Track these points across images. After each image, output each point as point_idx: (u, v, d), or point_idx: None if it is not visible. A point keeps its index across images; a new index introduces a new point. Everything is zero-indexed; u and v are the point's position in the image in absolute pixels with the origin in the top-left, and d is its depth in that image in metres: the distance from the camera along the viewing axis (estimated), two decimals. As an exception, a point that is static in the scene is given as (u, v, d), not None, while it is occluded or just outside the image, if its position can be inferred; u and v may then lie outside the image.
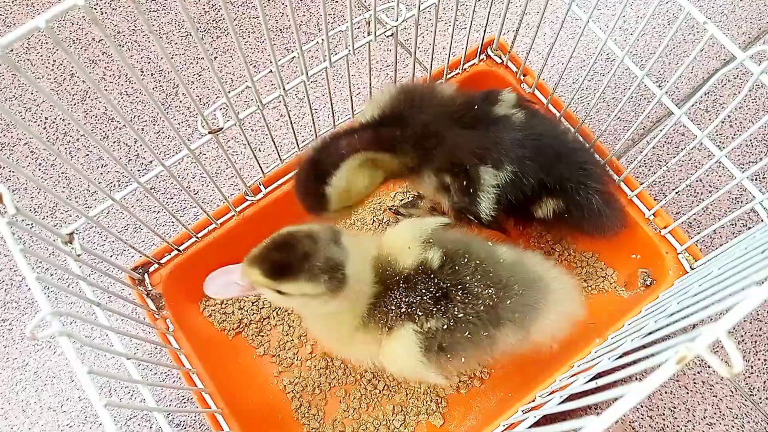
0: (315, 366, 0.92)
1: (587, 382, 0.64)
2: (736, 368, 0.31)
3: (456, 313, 0.70)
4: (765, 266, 0.42)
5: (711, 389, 0.95)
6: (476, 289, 0.71)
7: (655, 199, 0.87)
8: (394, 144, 0.76)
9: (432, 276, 0.71)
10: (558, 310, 0.75)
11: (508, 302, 0.72)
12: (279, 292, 0.65)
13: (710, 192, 1.05)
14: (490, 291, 0.71)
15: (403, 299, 0.70)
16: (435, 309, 0.70)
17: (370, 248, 0.73)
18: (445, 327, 0.70)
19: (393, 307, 0.70)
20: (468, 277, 0.71)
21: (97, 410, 0.48)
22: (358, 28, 1.14)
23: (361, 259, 0.68)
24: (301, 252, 0.62)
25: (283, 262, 0.62)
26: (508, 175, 0.77)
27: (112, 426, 0.46)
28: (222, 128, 0.69)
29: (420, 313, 0.70)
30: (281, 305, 0.75)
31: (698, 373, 0.96)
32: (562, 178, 0.78)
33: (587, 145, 0.90)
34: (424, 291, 0.70)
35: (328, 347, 0.80)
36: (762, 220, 0.65)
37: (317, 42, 0.70)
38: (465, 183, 0.78)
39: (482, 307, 0.71)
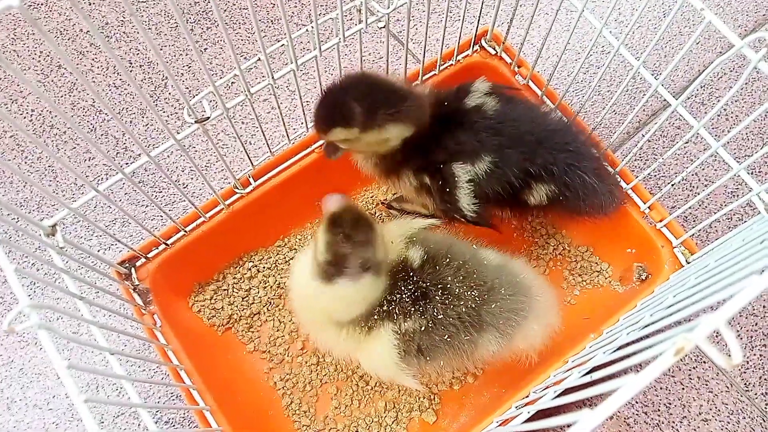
0: (306, 362, 0.91)
1: (582, 376, 0.62)
2: (736, 359, 0.30)
3: (435, 314, 0.70)
4: (765, 255, 0.41)
5: (706, 385, 0.94)
6: (458, 290, 0.70)
7: (650, 193, 0.86)
8: None
9: (411, 275, 0.70)
10: (541, 320, 0.75)
11: (493, 305, 0.71)
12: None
13: (706, 186, 1.04)
14: (473, 293, 0.71)
15: (385, 297, 0.69)
16: (413, 309, 0.69)
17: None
18: (423, 328, 0.70)
19: (375, 306, 0.70)
20: (449, 278, 0.70)
21: (77, 405, 0.46)
22: (350, 18, 1.12)
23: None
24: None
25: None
26: (486, 165, 0.76)
27: (91, 422, 0.45)
28: (209, 117, 0.67)
29: (398, 313, 0.69)
30: (298, 301, 0.75)
31: (693, 368, 0.95)
32: (546, 163, 0.77)
33: (576, 123, 0.88)
34: (403, 289, 0.70)
35: (319, 342, 0.79)
36: (759, 212, 0.64)
37: (307, 30, 0.69)
38: (440, 183, 0.77)
39: (464, 309, 0.70)
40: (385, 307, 0.70)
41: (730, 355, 0.31)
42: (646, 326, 0.55)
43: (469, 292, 0.71)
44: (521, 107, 0.80)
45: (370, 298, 0.69)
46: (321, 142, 0.90)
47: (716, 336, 0.94)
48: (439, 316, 0.70)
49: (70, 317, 0.92)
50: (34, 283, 0.96)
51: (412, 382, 0.71)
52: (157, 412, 0.89)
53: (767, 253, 0.41)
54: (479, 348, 0.73)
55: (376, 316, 0.70)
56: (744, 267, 0.43)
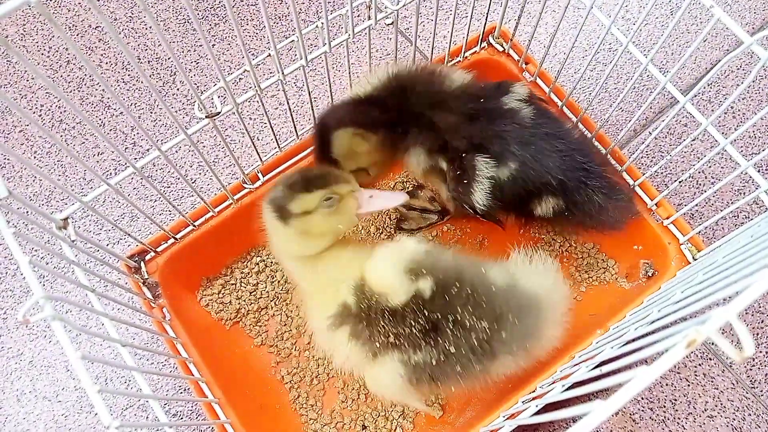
0: (313, 357, 0.91)
1: (590, 370, 0.63)
2: (747, 351, 0.30)
3: (447, 346, 0.68)
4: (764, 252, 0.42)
5: (712, 381, 0.95)
6: (468, 323, 0.68)
7: (657, 190, 0.86)
8: (374, 124, 0.77)
9: (422, 307, 0.68)
10: (554, 329, 0.74)
11: (503, 334, 0.69)
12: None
13: (713, 183, 1.04)
14: (483, 324, 0.68)
15: (391, 330, 0.68)
16: (424, 342, 0.68)
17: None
18: (435, 361, 0.68)
19: (380, 336, 0.68)
20: (460, 309, 0.68)
21: (90, 396, 0.47)
22: (358, 15, 1.12)
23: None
24: (306, 177, 0.73)
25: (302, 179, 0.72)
26: (510, 171, 0.76)
27: (105, 412, 0.46)
28: (219, 112, 0.67)
29: (407, 346, 0.68)
30: (308, 309, 0.75)
31: (699, 365, 0.95)
32: (563, 180, 0.77)
33: (589, 136, 0.88)
34: (412, 323, 0.68)
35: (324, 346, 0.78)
36: (767, 209, 0.64)
37: (316, 26, 0.69)
38: (458, 171, 0.77)
39: (475, 342, 0.68)
40: (391, 339, 0.68)
41: (741, 349, 0.31)
42: (653, 321, 0.56)
43: (479, 324, 0.69)
44: (553, 122, 0.80)
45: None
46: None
47: (724, 331, 0.94)
48: (452, 350, 0.68)
49: (81, 310, 0.93)
50: (44, 276, 0.97)
51: (421, 405, 0.70)
52: (165, 404, 0.90)
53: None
54: (492, 372, 0.72)
55: (378, 344, 0.68)
56: (754, 262, 0.44)
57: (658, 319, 0.54)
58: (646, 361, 0.42)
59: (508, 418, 0.72)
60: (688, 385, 0.94)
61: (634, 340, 0.55)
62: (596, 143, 0.88)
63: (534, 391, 0.76)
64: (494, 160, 0.75)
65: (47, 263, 0.98)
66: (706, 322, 0.32)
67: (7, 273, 0.99)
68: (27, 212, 0.98)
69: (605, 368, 0.48)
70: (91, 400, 0.47)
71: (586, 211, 0.80)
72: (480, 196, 0.77)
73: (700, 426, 0.92)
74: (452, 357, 0.68)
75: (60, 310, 0.94)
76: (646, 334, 0.50)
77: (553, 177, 0.76)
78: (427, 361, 0.68)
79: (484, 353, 0.69)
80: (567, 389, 0.69)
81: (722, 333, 0.95)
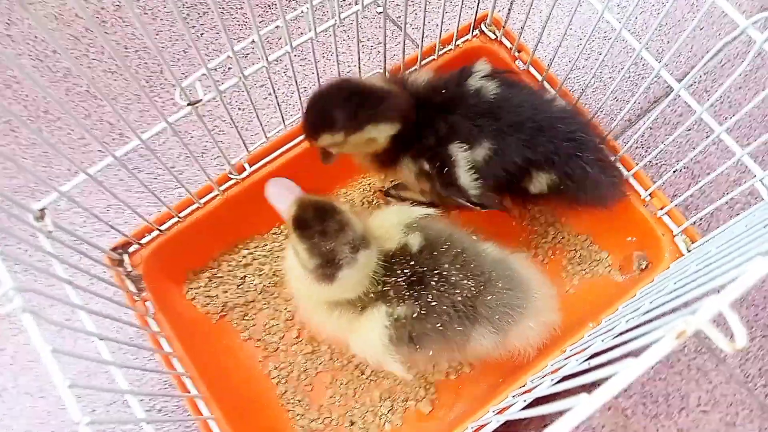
0: (301, 351, 0.90)
1: (581, 363, 0.61)
2: (740, 343, 0.28)
3: (429, 300, 0.69)
4: (760, 240, 0.40)
5: (705, 376, 0.93)
6: (454, 279, 0.69)
7: (652, 180, 0.85)
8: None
9: (409, 259, 0.70)
10: (538, 317, 0.74)
11: (489, 297, 0.70)
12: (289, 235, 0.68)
13: (708, 173, 1.02)
14: (470, 282, 0.70)
15: (380, 280, 0.68)
16: (408, 294, 0.69)
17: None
18: (416, 315, 0.69)
19: (371, 286, 0.69)
20: (446, 265, 0.70)
21: (60, 391, 0.45)
22: (348, 2, 1.10)
23: (363, 272, 0.68)
24: (324, 228, 0.65)
25: (307, 220, 0.65)
26: (486, 151, 0.75)
27: (75, 407, 0.44)
28: (201, 100, 0.66)
29: (392, 295, 0.68)
30: (297, 283, 0.75)
31: (693, 360, 0.94)
32: (547, 152, 0.75)
33: (580, 111, 0.86)
34: (399, 273, 0.69)
35: (312, 327, 0.78)
36: (762, 199, 0.63)
37: (302, 11, 0.67)
38: (438, 164, 0.76)
39: (459, 298, 0.69)
40: (380, 288, 0.69)
41: (733, 340, 0.30)
42: (645, 313, 0.54)
43: (465, 281, 0.70)
44: (524, 92, 0.78)
45: (370, 269, 0.68)
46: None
47: (716, 323, 0.93)
48: (433, 303, 0.69)
49: (63, 304, 0.91)
50: (27, 270, 0.95)
51: (399, 368, 0.70)
52: (150, 400, 0.89)
53: (763, 239, 0.40)
54: (471, 341, 0.72)
55: (372, 295, 0.69)
56: (748, 250, 0.42)
57: (650, 311, 0.53)
58: (635, 354, 0.41)
59: (497, 413, 0.71)
60: (682, 380, 0.93)
61: (625, 332, 0.54)
62: (588, 121, 0.86)
63: (524, 386, 0.74)
64: (467, 143, 0.74)
65: (30, 256, 0.96)
66: (696, 312, 0.30)
67: (-10, 266, 0.97)
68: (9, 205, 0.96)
69: (594, 361, 0.47)
70: (79, 395, 0.46)
71: (580, 184, 0.79)
72: (465, 179, 0.75)
73: (693, 421, 0.91)
74: (433, 311, 0.69)
75: (42, 305, 0.92)
76: (638, 326, 0.48)
77: (533, 152, 0.74)
78: (409, 314, 0.69)
79: (466, 313, 0.70)
80: (558, 383, 0.68)
81: (715, 325, 0.94)
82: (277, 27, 0.68)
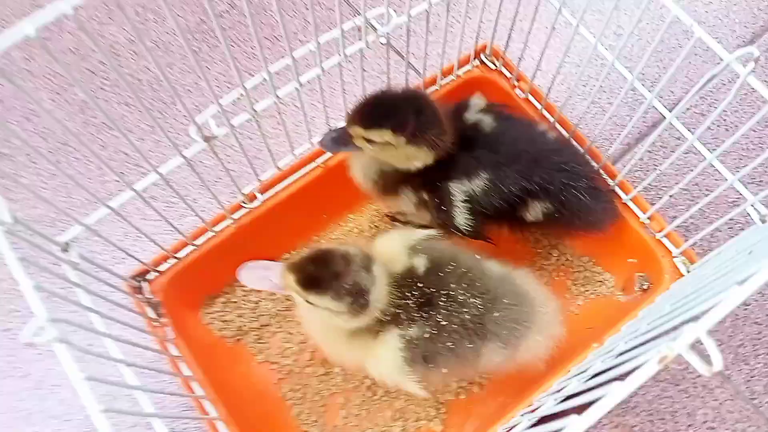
0: (315, 373, 0.93)
1: (584, 383, 0.64)
2: (716, 366, 0.31)
3: (439, 320, 0.71)
4: (747, 266, 0.43)
5: (711, 393, 0.95)
6: (461, 298, 0.72)
7: (651, 203, 0.88)
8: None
9: (417, 282, 0.72)
10: (544, 331, 0.76)
11: (496, 314, 0.73)
12: (307, 300, 0.68)
13: (706, 195, 1.05)
14: (476, 301, 0.72)
15: (391, 302, 0.71)
16: (418, 315, 0.71)
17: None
18: (428, 335, 0.71)
19: (383, 308, 0.71)
20: (453, 285, 0.72)
21: (93, 416, 0.48)
22: (352, 36, 1.15)
23: (383, 284, 0.71)
24: (333, 271, 0.66)
25: (315, 275, 0.67)
26: (483, 182, 0.78)
27: (108, 431, 0.47)
28: (215, 136, 0.69)
29: (404, 318, 0.71)
30: (305, 312, 0.78)
31: (698, 377, 0.96)
32: (543, 182, 0.79)
33: (572, 142, 0.90)
34: (408, 296, 0.71)
35: (326, 354, 0.82)
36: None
37: (309, 50, 0.71)
38: (436, 200, 0.79)
39: (468, 317, 0.72)
40: (393, 311, 0.71)
41: (711, 364, 0.33)
42: (641, 335, 0.57)
43: (472, 300, 0.73)
44: (518, 125, 0.82)
45: (385, 281, 0.71)
46: (326, 156, 0.92)
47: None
48: (443, 323, 0.72)
49: (86, 331, 0.94)
50: (49, 297, 0.99)
51: (416, 387, 0.72)
52: (171, 422, 0.91)
53: (750, 264, 0.43)
54: (482, 357, 0.75)
55: (386, 319, 0.72)
56: (730, 278, 0.45)
57: (646, 332, 0.55)
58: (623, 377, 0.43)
59: (506, 432, 0.73)
60: (688, 397, 0.95)
61: (624, 353, 0.56)
62: (588, 157, 0.89)
63: (531, 405, 0.77)
64: (465, 176, 0.77)
65: (52, 285, 1.00)
66: (677, 339, 0.33)
67: (15, 294, 1.01)
68: (31, 235, 1.00)
69: (591, 382, 0.49)
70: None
71: (575, 211, 0.82)
72: (461, 219, 0.79)
73: (700, 437, 0.93)
74: (444, 331, 0.71)
75: (66, 331, 0.96)
76: (635, 347, 0.51)
77: (529, 182, 0.78)
78: (421, 335, 0.71)
79: (475, 330, 0.72)
80: (561, 402, 0.70)
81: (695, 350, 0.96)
82: (285, 64, 0.72)
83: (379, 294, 0.69)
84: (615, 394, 0.32)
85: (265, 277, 0.76)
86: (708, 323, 0.33)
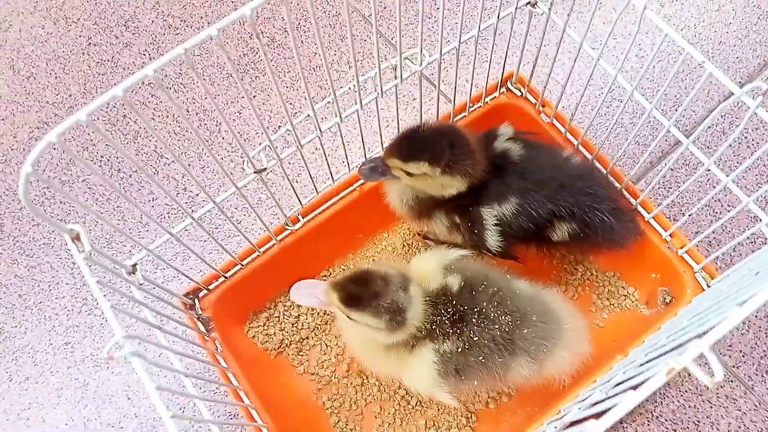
0: (351, 383, 0.98)
1: (609, 392, 0.68)
2: (717, 378, 0.36)
3: (472, 336, 0.77)
4: (749, 288, 0.47)
5: (735, 403, 0.98)
6: (492, 315, 0.77)
7: (674, 220, 0.92)
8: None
9: (451, 299, 0.78)
10: (571, 347, 0.81)
11: (525, 331, 0.78)
12: (348, 316, 0.75)
13: (729, 210, 1.08)
14: (507, 318, 0.78)
15: (427, 318, 0.77)
16: (452, 331, 0.77)
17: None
18: (460, 350, 0.77)
19: (419, 324, 0.77)
20: (485, 303, 0.78)
21: (165, 421, 0.55)
22: (384, 73, 1.21)
23: (419, 303, 0.76)
24: (373, 290, 0.73)
25: (357, 294, 0.73)
26: (513, 207, 0.84)
27: (179, 434, 0.53)
28: (266, 168, 0.76)
29: (438, 334, 0.77)
30: (345, 326, 0.84)
31: (721, 387, 0.99)
32: (568, 205, 0.84)
33: (596, 164, 0.95)
34: (443, 312, 0.77)
35: (363, 364, 0.88)
36: (769, 241, 0.69)
37: (349, 88, 0.78)
38: (469, 224, 0.85)
39: (498, 333, 0.77)
40: (428, 327, 0.77)
41: (713, 375, 0.38)
42: (660, 347, 0.61)
43: (503, 317, 0.78)
44: (544, 152, 0.88)
45: (421, 300, 0.77)
46: (361, 181, 0.98)
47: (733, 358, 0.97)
48: (475, 338, 0.77)
49: (140, 342, 1.02)
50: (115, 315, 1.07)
51: (448, 398, 0.78)
52: (225, 428, 0.98)
53: (756, 284, 0.47)
54: (511, 371, 0.80)
55: (421, 334, 0.77)
56: (737, 297, 0.49)
57: (664, 345, 0.60)
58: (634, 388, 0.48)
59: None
60: (711, 407, 0.98)
61: (645, 364, 0.61)
62: (611, 178, 0.94)
63: (558, 413, 0.81)
64: (495, 201, 0.84)
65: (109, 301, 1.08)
66: (683, 353, 0.38)
67: (73, 310, 1.09)
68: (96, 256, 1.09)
69: (611, 391, 0.54)
70: (152, 425, 0.55)
71: (598, 231, 0.87)
72: (493, 241, 0.85)
73: (725, 446, 0.95)
74: (475, 346, 0.77)
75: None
76: (652, 359, 0.56)
77: (556, 205, 0.83)
78: (454, 350, 0.77)
79: (505, 346, 0.77)
80: (584, 410, 0.74)
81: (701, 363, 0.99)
82: (328, 102, 0.78)
83: (415, 312, 0.75)
84: (627, 402, 0.37)
85: (311, 294, 0.82)
86: (710, 340, 0.38)
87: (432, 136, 0.80)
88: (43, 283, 1.11)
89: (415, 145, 0.80)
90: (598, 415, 0.40)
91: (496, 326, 0.77)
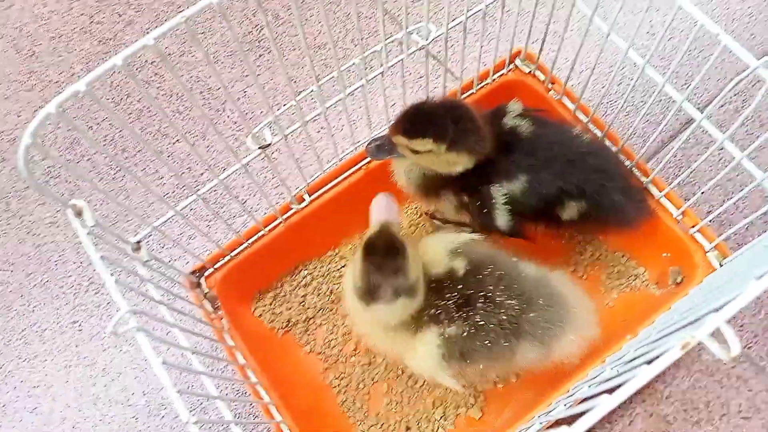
0: (359, 362, 0.98)
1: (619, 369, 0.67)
2: (734, 351, 0.35)
3: (477, 320, 0.75)
4: (764, 264, 0.46)
5: (746, 384, 0.97)
6: (498, 299, 0.76)
7: (686, 199, 0.90)
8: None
9: (456, 283, 0.77)
10: (578, 331, 0.80)
11: (532, 315, 0.76)
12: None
13: (741, 189, 1.07)
14: (512, 302, 0.76)
15: (431, 303, 0.76)
16: (457, 315, 0.76)
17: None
18: (465, 334, 0.76)
19: (422, 310, 0.76)
20: (491, 287, 0.76)
21: (171, 396, 0.54)
22: (390, 51, 1.19)
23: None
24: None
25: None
26: (522, 184, 0.82)
27: (184, 409, 0.53)
28: (270, 144, 0.75)
29: (443, 318, 0.76)
30: (352, 305, 0.83)
31: (732, 368, 0.98)
32: (578, 183, 0.83)
33: (606, 142, 0.93)
34: (448, 296, 0.76)
35: (371, 343, 0.87)
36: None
37: (353, 63, 0.76)
38: (478, 203, 0.83)
39: (504, 317, 0.76)
40: (432, 312, 0.76)
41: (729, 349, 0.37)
42: (671, 325, 0.60)
43: (509, 301, 0.77)
44: (554, 129, 0.86)
45: (405, 315, 0.76)
46: (368, 159, 0.97)
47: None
48: (481, 323, 0.76)
49: (147, 320, 1.02)
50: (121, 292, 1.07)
51: (451, 382, 0.77)
52: (233, 406, 0.98)
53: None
54: (517, 355, 0.79)
55: (425, 318, 0.76)
56: (753, 273, 0.48)
57: (676, 323, 0.59)
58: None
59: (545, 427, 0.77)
60: (722, 387, 0.97)
61: (657, 340, 0.60)
62: (622, 157, 0.92)
63: (567, 392, 0.81)
64: (504, 179, 0.82)
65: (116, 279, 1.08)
66: (699, 328, 0.37)
67: (80, 289, 1.09)
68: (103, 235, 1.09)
69: (623, 368, 0.53)
70: (161, 403, 0.55)
71: (608, 210, 0.85)
72: (502, 220, 0.83)
73: (735, 427, 0.95)
74: (481, 330, 0.75)
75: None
76: (664, 337, 0.55)
77: (565, 182, 0.82)
78: (459, 334, 0.76)
79: (511, 330, 0.76)
80: (595, 387, 0.74)
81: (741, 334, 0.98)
82: (332, 77, 0.77)
83: (386, 313, 0.74)
84: (642, 376, 0.36)
85: (380, 212, 0.79)
86: (727, 314, 0.37)
87: (437, 112, 0.78)
88: (50, 262, 1.11)
89: (420, 121, 0.78)
90: (610, 391, 0.39)
91: (502, 310, 0.76)
